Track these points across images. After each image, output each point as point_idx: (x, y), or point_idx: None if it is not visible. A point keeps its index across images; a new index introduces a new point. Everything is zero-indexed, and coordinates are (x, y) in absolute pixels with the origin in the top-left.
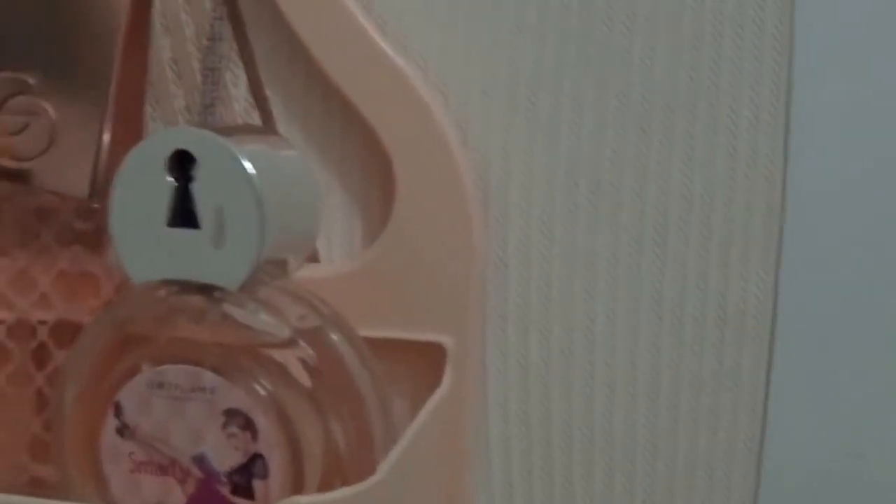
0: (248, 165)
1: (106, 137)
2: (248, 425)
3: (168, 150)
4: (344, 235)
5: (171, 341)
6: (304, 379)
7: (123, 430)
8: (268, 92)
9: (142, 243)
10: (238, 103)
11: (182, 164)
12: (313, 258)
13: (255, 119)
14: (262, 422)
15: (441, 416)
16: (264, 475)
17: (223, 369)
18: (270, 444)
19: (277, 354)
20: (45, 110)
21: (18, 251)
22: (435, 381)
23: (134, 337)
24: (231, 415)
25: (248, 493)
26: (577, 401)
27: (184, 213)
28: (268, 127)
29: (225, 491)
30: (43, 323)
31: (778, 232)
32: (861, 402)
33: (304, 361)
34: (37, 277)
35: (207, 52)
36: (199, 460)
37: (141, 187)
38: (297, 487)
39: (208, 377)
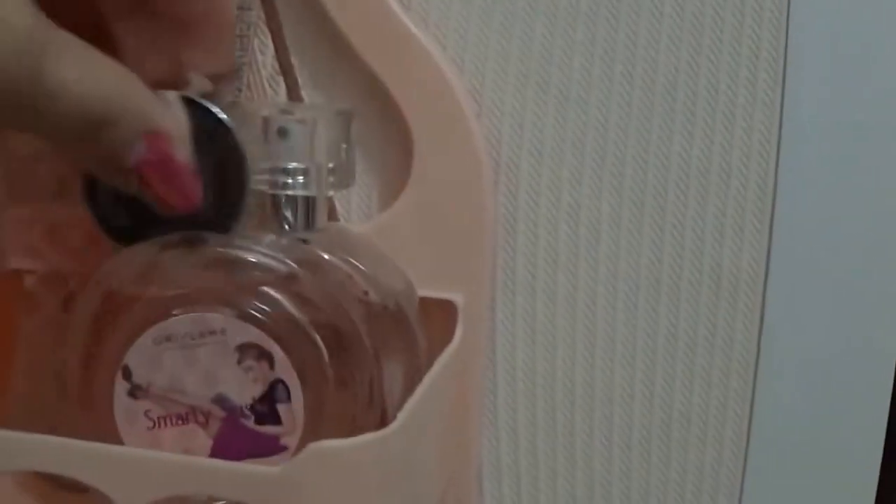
0: (227, 119)
1: None
2: (263, 355)
3: None
4: (362, 197)
5: (163, 295)
6: (299, 304)
7: (136, 392)
8: (294, 60)
9: (122, 203)
10: (265, 70)
11: None
12: (331, 217)
13: (282, 85)
14: (276, 348)
15: (452, 369)
16: (287, 398)
17: (225, 309)
18: (288, 367)
19: (269, 285)
20: None
21: (51, 206)
22: (447, 337)
23: (126, 298)
24: (244, 349)
25: (272, 418)
26: (579, 357)
27: None
28: (293, 93)
29: (249, 423)
30: (74, 273)
31: (771, 203)
32: (846, 365)
33: (299, 295)
34: (70, 231)
35: (237, 20)
36: (219, 400)
37: None
38: (318, 406)
39: (215, 319)
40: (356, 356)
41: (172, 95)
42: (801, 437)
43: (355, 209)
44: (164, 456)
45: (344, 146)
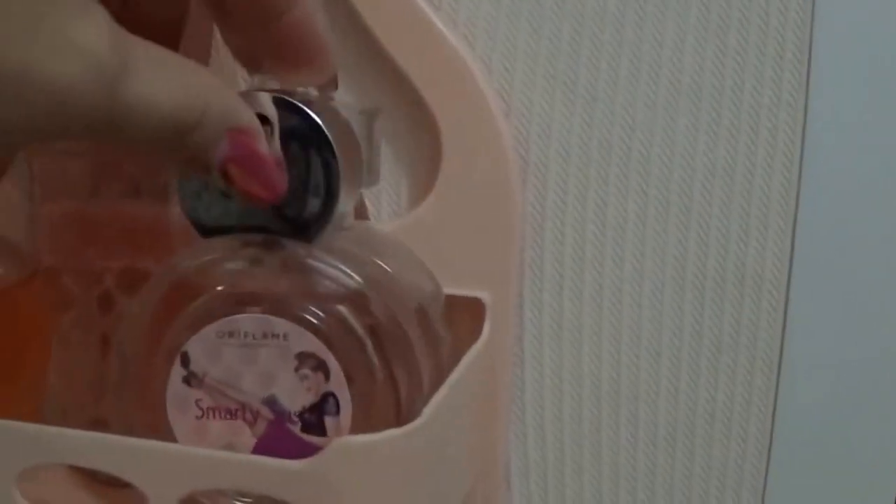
0: (322, 126)
1: None
2: (320, 366)
3: None
4: (392, 196)
5: (234, 291)
6: (364, 323)
7: (190, 379)
8: None
9: (211, 199)
10: None
11: None
12: (362, 215)
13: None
14: (335, 363)
15: (479, 366)
16: (336, 412)
17: (292, 315)
18: (342, 383)
19: (340, 300)
20: None
21: (86, 202)
22: (475, 334)
23: (196, 288)
24: (303, 358)
25: (318, 429)
26: (606, 354)
27: None
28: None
29: (295, 429)
30: (108, 270)
31: (794, 202)
32: (868, 363)
33: (364, 307)
34: (103, 227)
35: None
36: (270, 402)
37: None
38: (366, 419)
39: (280, 323)
40: (410, 372)
41: (265, 97)
42: (823, 434)
43: (385, 207)
44: (194, 450)
45: (368, 145)
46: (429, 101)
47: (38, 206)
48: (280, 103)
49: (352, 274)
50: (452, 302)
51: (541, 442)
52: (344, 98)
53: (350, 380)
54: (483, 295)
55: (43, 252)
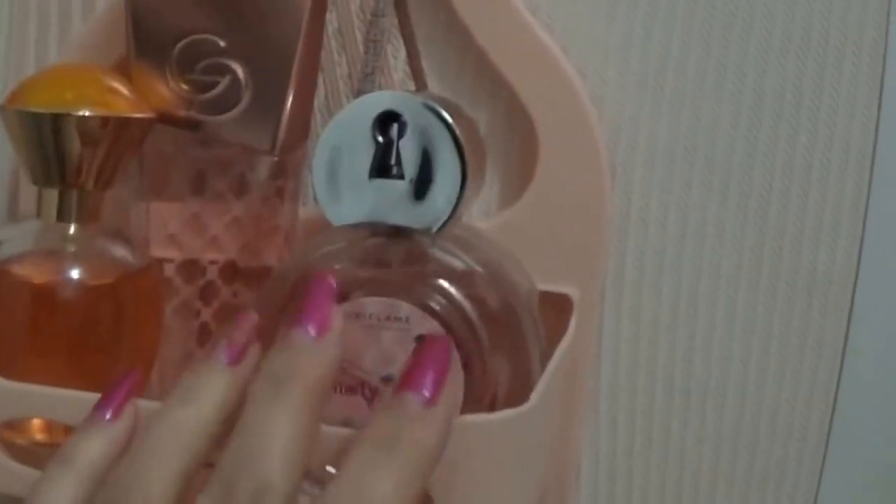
0: (454, 126)
1: (290, 98)
2: None
3: (376, 111)
4: (483, 195)
5: (362, 276)
6: (481, 310)
7: None
8: (424, 63)
9: (344, 192)
10: (396, 73)
11: (387, 123)
12: None
13: (411, 87)
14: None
15: (566, 361)
16: None
17: (415, 300)
18: (457, 365)
19: (460, 288)
20: (234, 71)
21: (193, 198)
22: (558, 331)
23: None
24: (422, 340)
25: None
26: (679, 354)
27: (387, 166)
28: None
29: None
30: (213, 263)
31: (864, 209)
32: None
33: (481, 296)
34: (209, 222)
35: (371, 26)
36: (389, 380)
37: (348, 143)
38: (475, 400)
39: (403, 307)
40: (518, 361)
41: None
42: (881, 434)
43: (476, 204)
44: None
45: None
46: (526, 103)
47: (148, 202)
48: (411, 102)
49: (473, 264)
50: (540, 297)
51: (612, 437)
52: None
53: (464, 363)
54: (571, 291)
55: (149, 243)
